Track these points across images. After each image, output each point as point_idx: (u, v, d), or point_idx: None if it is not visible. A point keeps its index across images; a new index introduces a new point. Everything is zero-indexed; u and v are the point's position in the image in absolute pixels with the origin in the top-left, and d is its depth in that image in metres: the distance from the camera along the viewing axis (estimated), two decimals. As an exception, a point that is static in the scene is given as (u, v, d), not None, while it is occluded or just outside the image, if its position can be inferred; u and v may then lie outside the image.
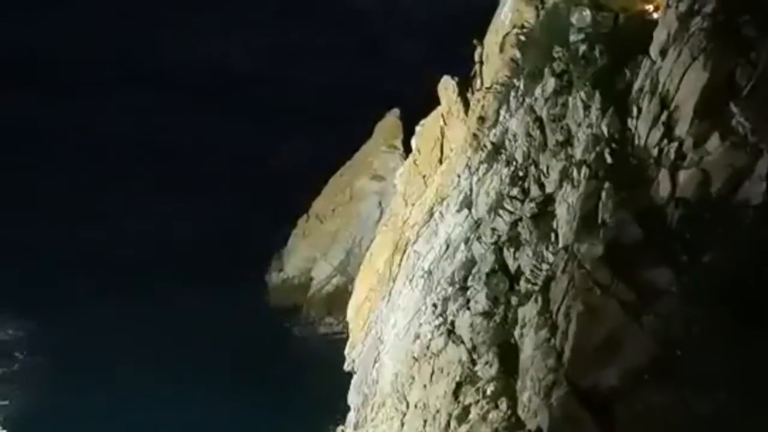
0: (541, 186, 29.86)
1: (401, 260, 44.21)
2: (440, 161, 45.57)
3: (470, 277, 32.51)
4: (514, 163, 32.29)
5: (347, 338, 54.33)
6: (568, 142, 28.80)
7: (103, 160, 76.06)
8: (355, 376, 48.25)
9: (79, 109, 78.54)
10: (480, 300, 30.76)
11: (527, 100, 32.58)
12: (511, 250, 30.07)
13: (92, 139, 77.30)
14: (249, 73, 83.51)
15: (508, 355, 26.31)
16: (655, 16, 28.32)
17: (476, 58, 42.68)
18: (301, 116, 78.69)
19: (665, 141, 22.19)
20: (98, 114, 79.01)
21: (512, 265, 29.96)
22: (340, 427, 48.39)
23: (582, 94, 28.18)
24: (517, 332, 25.99)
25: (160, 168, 74.76)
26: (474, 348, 29.84)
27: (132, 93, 79.97)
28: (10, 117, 77.02)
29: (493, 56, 39.86)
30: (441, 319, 33.42)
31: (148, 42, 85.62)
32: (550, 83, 30.91)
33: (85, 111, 78.63)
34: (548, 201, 28.84)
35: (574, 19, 31.21)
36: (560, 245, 26.00)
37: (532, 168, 30.76)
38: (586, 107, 27.70)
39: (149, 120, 78.87)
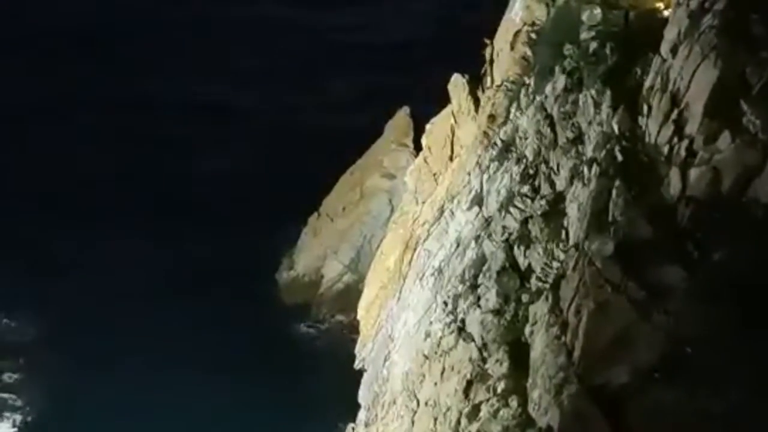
0: (552, 184, 29.87)
1: (412, 258, 44.25)
2: (451, 159, 45.59)
3: (481, 275, 32.52)
4: (525, 160, 32.29)
5: (358, 336, 54.39)
6: (578, 139, 28.80)
7: (119, 167, 76.41)
8: (365, 374, 48.30)
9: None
10: (490, 298, 30.78)
11: (538, 97, 32.56)
12: (522, 248, 30.07)
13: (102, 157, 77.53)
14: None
15: (518, 353, 26.33)
16: (666, 13, 28.29)
17: (487, 56, 42.66)
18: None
19: (676, 139, 22.19)
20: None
21: (523, 263, 29.96)
22: (351, 425, 48.42)
23: (592, 91, 28.17)
24: (527, 330, 26.00)
25: (175, 168, 75.13)
26: (484, 346, 29.87)
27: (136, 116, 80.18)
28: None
29: (504, 54, 39.85)
30: (451, 316, 33.44)
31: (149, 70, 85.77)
32: (561, 81, 30.89)
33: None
34: (559, 199, 28.84)
35: (584, 17, 31.21)
36: (571, 243, 26.01)
37: (543, 166, 30.76)
38: (597, 105, 27.69)
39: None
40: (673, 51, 23.69)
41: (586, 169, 26.16)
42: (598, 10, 30.97)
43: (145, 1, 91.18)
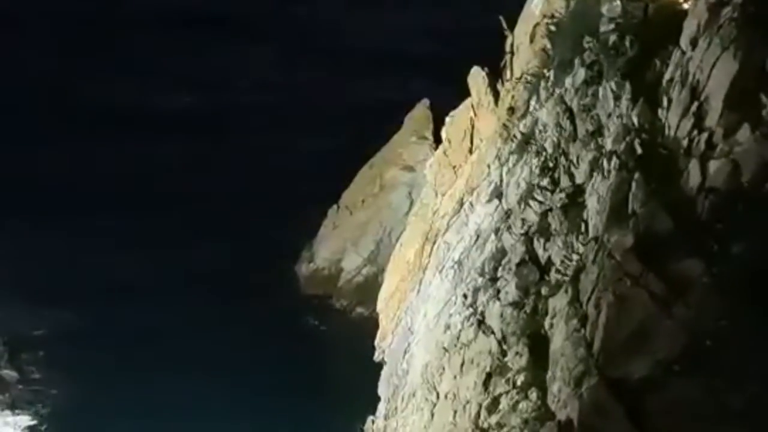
0: (571, 176, 29.81)
1: (431, 251, 44.24)
2: (470, 152, 45.51)
3: (500, 268, 32.49)
4: (544, 153, 32.23)
5: (377, 329, 54.44)
6: (598, 132, 28.74)
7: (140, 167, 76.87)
8: (385, 367, 48.32)
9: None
10: (510, 290, 30.76)
11: (557, 90, 32.49)
12: (541, 240, 30.03)
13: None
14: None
15: (538, 346, 26.33)
16: (685, 6, 28.15)
17: (506, 48, 42.59)
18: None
19: (695, 131, 22.15)
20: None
21: (542, 256, 29.93)
22: (370, 417, 48.50)
23: (612, 84, 28.11)
24: (547, 323, 26.02)
25: (195, 160, 75.46)
26: (504, 338, 29.88)
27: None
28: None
29: (523, 47, 39.78)
30: (471, 309, 33.44)
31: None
32: (580, 73, 30.81)
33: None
34: (578, 191, 28.78)
35: (604, 9, 31.06)
36: (590, 236, 25.99)
37: (562, 158, 30.70)
38: (617, 97, 27.63)
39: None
40: (693, 43, 23.63)
41: (605, 162, 26.11)
42: (617, 3, 30.81)
43: None
